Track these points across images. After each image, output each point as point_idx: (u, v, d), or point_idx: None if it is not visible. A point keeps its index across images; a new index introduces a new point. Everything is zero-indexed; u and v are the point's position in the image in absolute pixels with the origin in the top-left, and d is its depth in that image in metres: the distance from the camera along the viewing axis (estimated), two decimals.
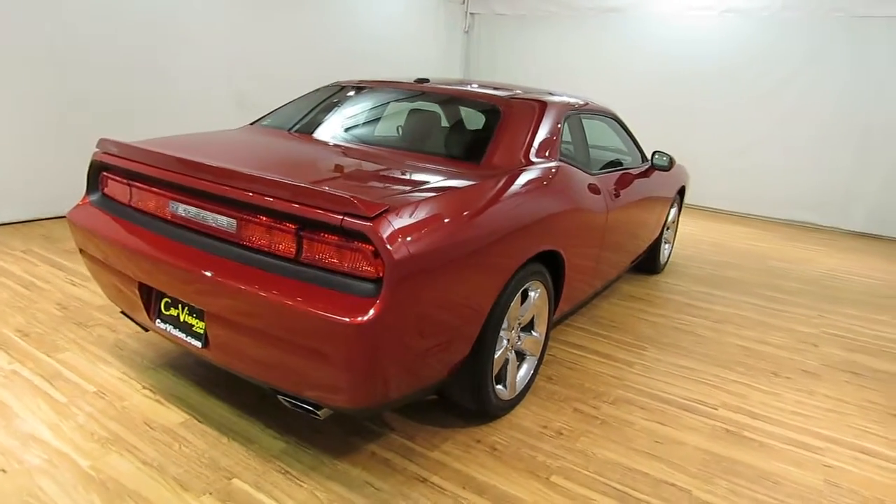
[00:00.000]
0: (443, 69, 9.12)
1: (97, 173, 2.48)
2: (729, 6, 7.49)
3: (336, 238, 1.77)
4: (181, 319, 2.12)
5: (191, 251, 2.03)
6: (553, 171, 2.60)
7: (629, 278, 4.63)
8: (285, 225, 1.85)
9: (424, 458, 2.22)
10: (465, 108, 2.85)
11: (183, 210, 2.11)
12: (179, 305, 2.13)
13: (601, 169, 3.28)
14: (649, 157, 3.92)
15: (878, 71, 6.85)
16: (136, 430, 2.22)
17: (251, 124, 3.13)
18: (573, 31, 8.63)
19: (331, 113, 3.00)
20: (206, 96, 5.74)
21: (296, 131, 2.93)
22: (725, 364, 3.27)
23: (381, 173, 2.26)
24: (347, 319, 1.66)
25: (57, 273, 3.69)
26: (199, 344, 2.05)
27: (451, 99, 2.87)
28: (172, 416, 2.33)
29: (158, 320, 2.19)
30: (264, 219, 1.89)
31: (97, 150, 2.42)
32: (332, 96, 3.13)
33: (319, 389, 1.87)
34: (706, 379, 3.07)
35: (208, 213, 2.04)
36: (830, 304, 4.48)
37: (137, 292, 2.19)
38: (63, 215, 5.01)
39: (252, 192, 1.88)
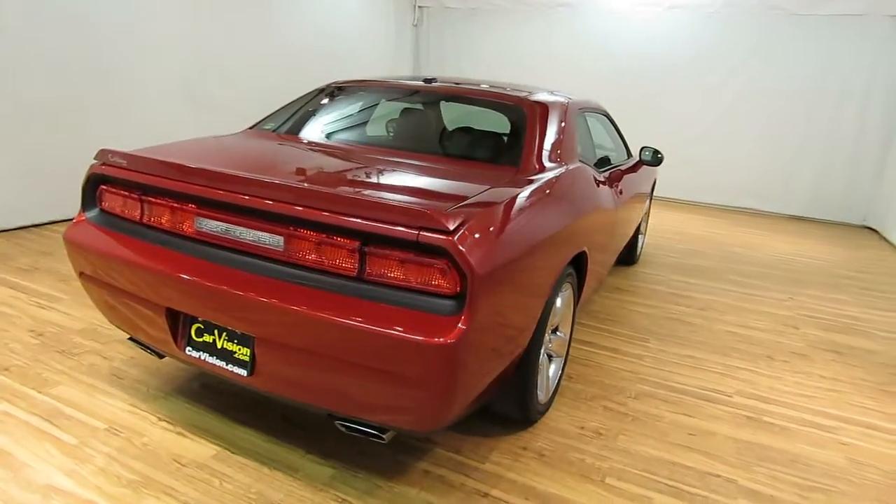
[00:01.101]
0: (393, 64, 8.96)
1: (94, 187, 2.24)
2: (675, 2, 7.78)
3: (407, 254, 1.67)
4: (219, 346, 1.95)
5: (229, 272, 1.87)
6: (580, 171, 2.59)
7: (611, 270, 4.73)
8: (346, 241, 1.74)
9: (478, 472, 2.17)
10: (488, 110, 2.79)
11: (216, 227, 1.94)
12: (216, 331, 1.96)
13: (602, 165, 3.32)
14: (634, 151, 4.01)
15: (814, 66, 7.33)
16: (165, 468, 2.04)
17: (252, 129, 2.92)
18: (524, 25, 8.70)
19: (349, 117, 2.85)
20: (158, 93, 5.36)
21: (311, 138, 2.76)
22: (723, 351, 3.40)
23: (429, 181, 2.16)
24: (434, 340, 1.58)
25: (18, 295, 3.33)
26: (243, 372, 1.90)
27: (473, 101, 2.79)
28: (201, 449, 2.15)
29: (189, 348, 2.00)
30: (321, 235, 1.77)
31: (95, 161, 2.19)
32: (340, 98, 2.98)
33: (390, 412, 1.77)
34: (711, 367, 3.18)
35: (248, 229, 1.88)
36: (794, 287, 4.77)
37: (164, 318, 2.00)
38: (8, 228, 4.58)
39: (308, 207, 1.75)
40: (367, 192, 1.83)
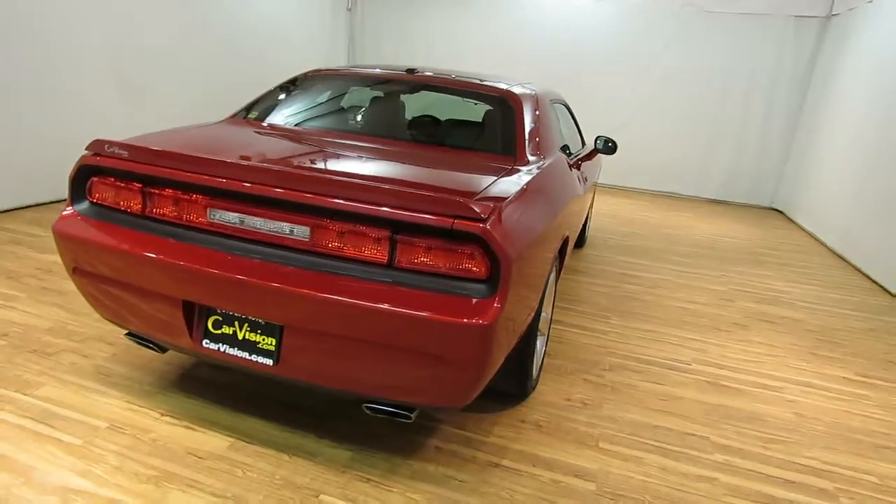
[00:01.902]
0: (328, 49, 8.80)
1: (84, 179, 2.14)
2: None
3: (439, 241, 1.76)
4: (240, 337, 1.95)
5: (249, 262, 1.88)
6: (562, 160, 2.76)
7: None
8: (377, 230, 1.80)
9: (485, 444, 2.31)
10: (476, 101, 2.88)
11: (232, 218, 1.93)
12: (236, 322, 1.96)
13: (566, 153, 3.52)
14: (588, 141, 4.25)
15: (724, 60, 7.95)
16: (183, 462, 2.02)
17: (235, 117, 2.85)
18: (460, 12, 8.81)
19: (338, 107, 2.86)
20: (85, 77, 5.02)
21: (309, 127, 2.75)
22: (676, 324, 3.73)
23: (439, 171, 2.24)
24: (474, 321, 1.68)
25: None
26: (269, 361, 1.92)
27: (460, 92, 2.88)
28: (215, 441, 2.15)
29: (206, 340, 1.99)
30: (351, 225, 1.82)
31: (86, 152, 2.10)
32: (323, 87, 2.97)
33: (422, 392, 1.87)
34: (669, 339, 3.49)
35: (268, 220, 1.89)
36: (724, 265, 5.25)
37: (180, 311, 1.97)
38: None
39: (338, 198, 1.79)
40: (392, 181, 1.88)
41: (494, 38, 8.70)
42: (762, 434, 2.58)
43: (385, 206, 1.76)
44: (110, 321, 2.25)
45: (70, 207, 2.15)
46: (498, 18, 8.65)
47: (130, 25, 5.37)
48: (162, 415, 2.26)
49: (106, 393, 2.37)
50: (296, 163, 2.08)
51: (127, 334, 2.24)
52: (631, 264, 4.95)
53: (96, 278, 2.11)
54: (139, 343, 2.22)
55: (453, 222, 1.72)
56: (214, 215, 1.96)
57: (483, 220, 1.72)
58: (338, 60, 9.15)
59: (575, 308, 3.82)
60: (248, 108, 2.88)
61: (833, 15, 7.36)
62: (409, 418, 1.95)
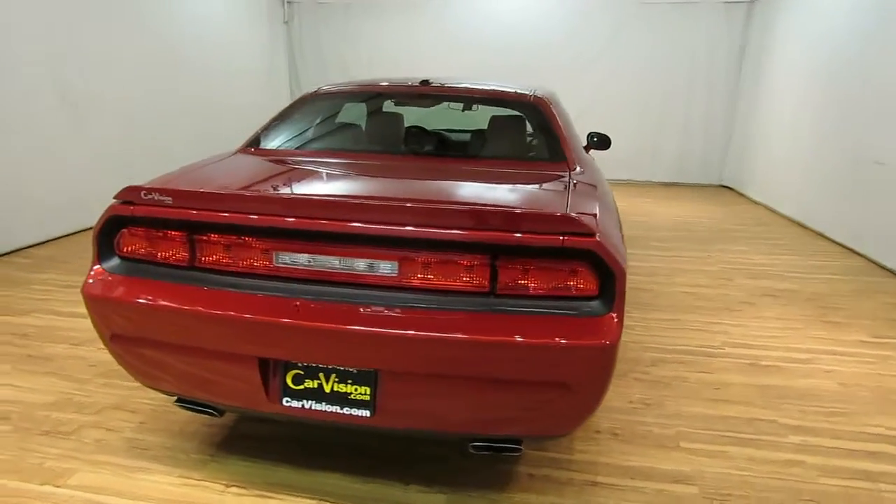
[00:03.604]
0: (269, 64, 8.43)
1: (111, 232, 1.88)
2: None
3: (546, 261, 1.65)
4: (327, 390, 1.76)
5: (329, 307, 1.70)
6: (593, 159, 2.72)
7: None
8: (476, 256, 1.66)
9: (574, 463, 2.21)
10: (505, 109, 2.77)
11: (301, 260, 1.74)
12: (321, 374, 1.76)
13: None
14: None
15: (665, 47, 8.23)
16: None
17: (251, 147, 2.59)
18: (401, 18, 8.67)
19: (369, 126, 2.66)
20: (25, 93, 4.57)
21: (346, 151, 2.56)
22: (690, 310, 3.78)
23: (512, 185, 2.13)
24: (600, 342, 1.59)
25: None
26: (365, 413, 1.73)
27: (488, 100, 2.76)
28: None
29: (286, 398, 1.78)
30: (445, 254, 1.67)
31: (115, 201, 1.83)
32: (341, 107, 2.77)
33: (536, 423, 1.75)
34: (691, 325, 3.53)
35: (346, 258, 1.71)
36: (703, 244, 5.41)
37: (256, 370, 1.75)
38: None
39: (431, 227, 1.64)
40: (484, 203, 1.75)
41: (440, 41, 8.60)
42: (821, 408, 2.63)
43: (487, 229, 1.63)
44: (156, 389, 1.98)
45: (97, 266, 1.88)
46: (442, 23, 8.57)
47: (74, 45, 4.95)
48: (227, 486, 2.02)
49: (151, 469, 2.09)
50: (366, 193, 1.90)
51: (177, 400, 1.98)
52: None
53: (141, 344, 1.85)
54: (193, 409, 1.97)
55: (563, 239, 1.61)
56: (281, 258, 1.76)
57: (593, 234, 1.63)
58: (280, 73, 8.79)
59: None
60: (260, 138, 2.63)
61: None
62: (520, 451, 1.82)
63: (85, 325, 3.26)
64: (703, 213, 6.85)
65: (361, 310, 1.69)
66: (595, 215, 1.73)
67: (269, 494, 1.98)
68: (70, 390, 2.59)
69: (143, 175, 6.23)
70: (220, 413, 1.98)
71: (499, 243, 1.63)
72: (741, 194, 7.96)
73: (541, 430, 1.77)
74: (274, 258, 1.77)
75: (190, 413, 2.39)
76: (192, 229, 1.80)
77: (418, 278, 1.70)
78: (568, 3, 8.28)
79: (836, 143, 5.61)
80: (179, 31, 6.46)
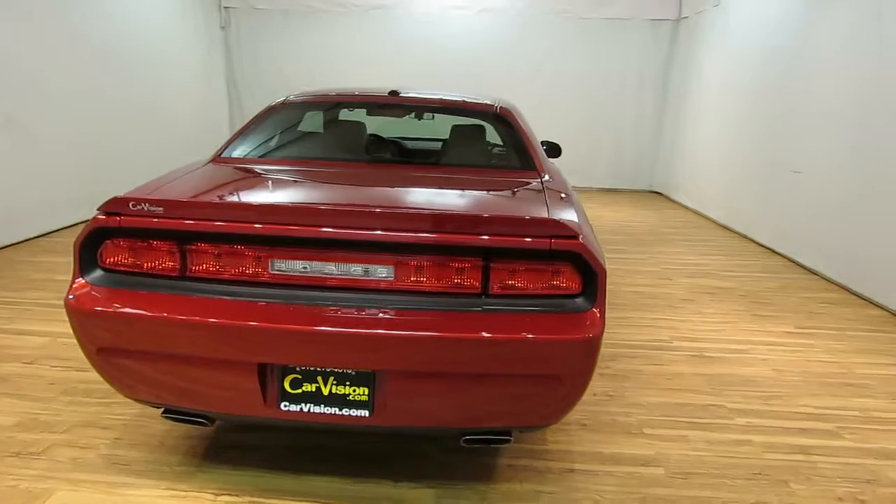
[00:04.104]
0: (206, 70, 8.23)
1: (94, 244, 1.86)
2: (483, 6, 8.52)
3: (534, 262, 1.78)
4: (325, 393, 1.81)
5: (329, 311, 1.76)
6: (558, 167, 2.89)
7: None
8: (469, 259, 1.77)
9: (549, 453, 2.36)
10: (471, 119, 2.89)
11: (298, 266, 1.79)
12: (319, 378, 1.81)
13: None
14: None
15: (597, 61, 8.68)
16: None
17: (222, 157, 2.57)
18: (340, 27, 8.69)
19: (343, 135, 2.71)
20: None
21: (321, 159, 2.60)
22: (638, 308, 4.04)
23: (488, 192, 2.24)
24: (586, 335, 1.73)
25: None
26: (364, 413, 1.80)
27: (456, 110, 2.87)
28: None
29: (284, 403, 1.81)
30: (439, 258, 1.77)
31: (100, 213, 1.82)
32: (310, 116, 2.80)
33: (527, 414, 1.87)
34: (640, 322, 3.78)
35: (343, 264, 1.78)
36: (643, 247, 5.76)
37: (254, 376, 1.78)
38: None
39: (426, 232, 1.74)
40: (474, 209, 1.86)
41: (380, 52, 8.68)
42: (760, 393, 2.91)
43: (480, 234, 1.75)
44: (143, 402, 1.97)
45: (80, 278, 1.85)
46: (383, 33, 8.65)
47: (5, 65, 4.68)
48: (216, 495, 2.02)
49: (135, 484, 2.06)
50: (356, 200, 1.97)
51: (164, 412, 1.97)
52: None
53: (131, 356, 1.84)
54: (182, 420, 1.97)
55: (551, 242, 1.75)
56: (277, 265, 1.80)
57: (576, 237, 1.77)
58: (217, 79, 8.59)
59: None
60: (232, 147, 2.63)
61: (683, 18, 8.35)
62: (510, 441, 1.95)
63: (34, 342, 3.14)
64: (638, 216, 7.26)
65: (359, 313, 1.76)
66: (575, 219, 1.89)
67: (261, 500, 2.00)
68: (33, 410, 2.49)
69: (82, 188, 5.98)
70: (211, 422, 1.99)
71: (491, 246, 1.75)
72: (671, 199, 8.48)
73: (532, 420, 1.90)
74: (269, 265, 1.81)
75: (168, 426, 2.38)
76: (184, 239, 1.81)
77: (412, 281, 1.79)
78: (508, 15, 8.57)
79: (758, 154, 6.12)
80: (115, 35, 6.22)
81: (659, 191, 8.98)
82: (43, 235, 5.24)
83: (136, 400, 1.97)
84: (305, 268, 1.79)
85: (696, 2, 7.80)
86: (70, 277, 1.87)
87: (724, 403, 2.80)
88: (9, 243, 4.89)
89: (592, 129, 8.94)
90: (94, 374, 2.73)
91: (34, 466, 2.13)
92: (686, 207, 7.89)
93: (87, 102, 5.77)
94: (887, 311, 4.07)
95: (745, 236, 6.22)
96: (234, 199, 1.84)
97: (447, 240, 1.74)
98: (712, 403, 2.79)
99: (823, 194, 4.91)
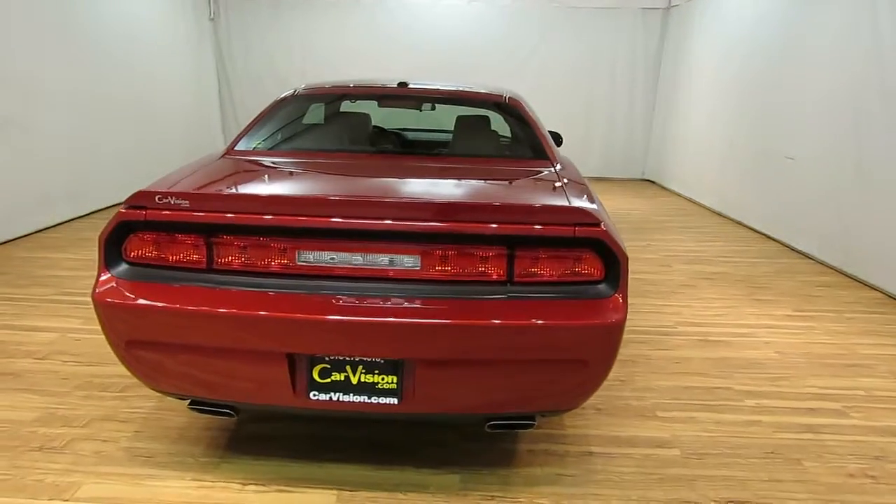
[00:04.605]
0: (196, 62, 8.12)
1: (119, 238, 1.86)
2: None
3: (558, 250, 1.81)
4: (354, 382, 1.83)
5: (358, 301, 1.78)
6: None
7: None
8: (493, 248, 1.80)
9: (567, 437, 2.40)
10: (481, 110, 2.90)
11: (325, 258, 1.81)
12: (347, 367, 1.83)
13: None
14: None
15: (588, 50, 8.70)
16: None
17: (237, 150, 2.56)
18: (333, 17, 8.63)
19: (355, 126, 2.71)
20: None
21: (339, 150, 2.62)
22: (642, 294, 4.10)
23: (517, 182, 2.27)
24: (611, 320, 1.77)
25: None
26: (393, 401, 1.83)
27: (470, 101, 2.88)
28: (319, 498, 1.99)
29: (314, 392, 1.83)
30: (465, 247, 1.79)
31: (124, 208, 1.82)
32: (325, 106, 2.80)
33: (551, 398, 1.91)
34: (645, 308, 3.84)
35: (370, 254, 1.80)
36: (641, 234, 5.82)
37: (284, 366, 1.80)
38: None
39: (453, 221, 1.76)
40: (498, 198, 1.88)
41: (372, 42, 8.63)
42: (766, 375, 2.98)
43: (507, 223, 1.77)
44: (170, 394, 1.98)
45: (106, 273, 1.85)
46: (373, 22, 8.60)
47: None
48: (244, 484, 2.04)
49: (161, 476, 2.07)
50: (381, 191, 1.99)
51: (191, 404, 1.98)
52: None
53: (160, 349, 1.85)
54: (207, 412, 1.98)
55: (574, 229, 1.78)
56: (304, 256, 1.82)
57: (599, 224, 1.81)
58: (207, 70, 8.49)
59: None
60: (246, 139, 2.62)
61: (673, 6, 8.39)
62: (534, 424, 1.98)
63: (44, 338, 3.12)
64: (633, 205, 7.33)
65: (387, 302, 1.79)
66: (596, 207, 1.92)
67: (289, 489, 2.03)
68: (51, 405, 2.48)
69: (73, 184, 5.95)
70: (237, 413, 2.00)
71: (517, 234, 1.78)
72: (664, 187, 8.56)
73: (557, 404, 1.94)
74: (297, 256, 1.82)
75: (186, 418, 2.40)
76: (211, 232, 1.82)
77: (439, 270, 1.81)
78: (498, 5, 8.56)
79: (750, 141, 6.19)
80: (104, 29, 6.12)
81: (651, 179, 9.06)
82: (39, 231, 5.18)
83: (163, 392, 1.98)
84: (333, 258, 1.81)
85: None
86: (94, 272, 1.88)
87: (731, 386, 2.86)
88: (4, 240, 4.84)
89: (584, 117, 8.98)
90: (107, 369, 2.78)
91: (58, 460, 2.13)
92: (679, 195, 7.98)
93: (77, 98, 5.68)
94: (883, 293, 4.17)
95: (739, 222, 6.30)
96: (260, 191, 1.84)
97: (474, 229, 1.77)
98: (720, 386, 2.86)
99: (817, 180, 5.00)
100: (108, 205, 5.98)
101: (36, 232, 5.15)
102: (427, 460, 2.21)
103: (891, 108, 4.17)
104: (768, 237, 5.71)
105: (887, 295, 4.14)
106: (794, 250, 5.26)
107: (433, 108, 3.04)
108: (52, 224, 5.35)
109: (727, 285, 4.33)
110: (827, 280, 4.49)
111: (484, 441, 2.33)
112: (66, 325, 3.27)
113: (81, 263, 4.37)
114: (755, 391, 2.81)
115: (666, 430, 2.47)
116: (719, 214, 6.76)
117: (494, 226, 1.77)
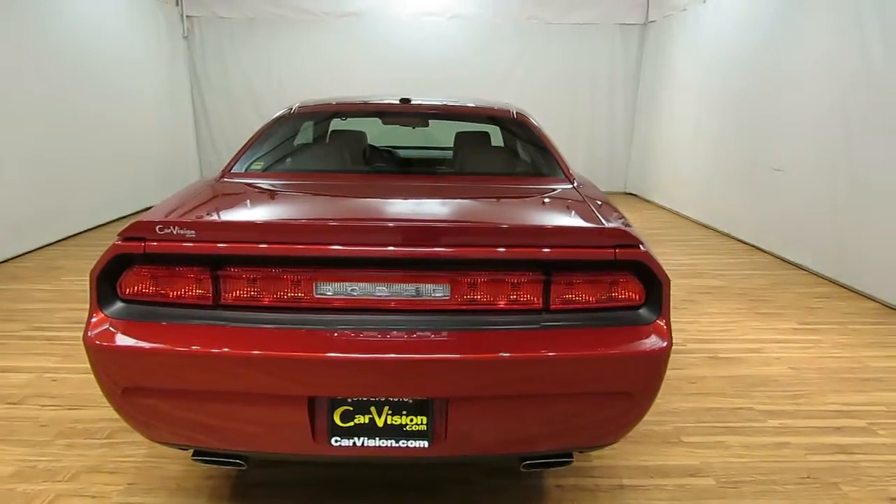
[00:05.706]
0: (169, 79, 7.88)
1: (112, 274, 1.67)
2: (455, 12, 8.47)
3: (597, 274, 1.69)
4: (379, 424, 1.67)
5: (383, 336, 1.63)
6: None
7: None
8: (528, 274, 1.67)
9: (595, 469, 2.27)
10: (488, 125, 2.79)
11: (349, 289, 1.66)
12: (372, 408, 1.67)
13: None
14: None
15: (568, 65, 8.73)
16: None
17: (236, 172, 2.38)
18: (311, 35, 8.49)
19: (358, 145, 2.56)
20: None
21: (348, 171, 2.47)
22: None
23: (542, 201, 2.15)
24: (658, 347, 1.66)
25: None
26: (423, 444, 1.67)
27: (477, 117, 2.76)
28: None
29: (335, 438, 1.67)
30: (497, 274, 1.66)
31: (119, 240, 1.64)
32: (322, 124, 2.65)
33: (590, 433, 1.78)
34: None
35: (395, 284, 1.66)
36: None
37: (304, 411, 1.63)
38: None
39: (487, 246, 1.63)
40: (530, 220, 1.76)
41: (352, 59, 8.52)
42: (784, 392, 2.90)
43: (543, 246, 1.65)
44: (170, 445, 1.78)
45: (99, 313, 1.67)
46: (354, 40, 8.49)
47: None
48: None
49: None
50: (404, 215, 1.85)
51: (195, 455, 1.79)
52: None
53: (162, 396, 1.66)
54: (214, 463, 1.79)
55: (616, 252, 1.67)
56: (322, 289, 1.66)
57: (639, 245, 1.70)
58: (181, 87, 8.24)
59: None
60: (244, 160, 2.45)
61: (650, 22, 8.49)
62: (571, 462, 1.84)
63: (18, 379, 2.87)
64: None
65: (413, 336, 1.64)
66: (631, 226, 1.81)
67: None
68: (30, 456, 2.25)
69: (42, 208, 5.69)
70: (246, 463, 1.82)
71: (553, 259, 1.66)
72: (647, 200, 8.59)
73: (597, 439, 1.81)
74: (314, 289, 1.66)
75: (183, 467, 2.20)
76: (219, 264, 1.65)
77: (470, 300, 1.68)
78: (477, 22, 8.54)
79: (737, 153, 6.22)
80: (73, 45, 5.88)
81: (634, 192, 9.09)
82: (6, 261, 4.87)
83: (165, 443, 1.78)
84: (353, 290, 1.66)
85: (664, 6, 7.94)
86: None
87: (752, 406, 2.77)
88: None
89: (565, 132, 8.95)
90: (91, 412, 2.55)
91: None
92: (662, 208, 8.00)
93: (46, 117, 5.42)
94: (881, 303, 4.17)
95: (727, 234, 6.31)
96: (272, 217, 1.68)
97: (509, 254, 1.64)
98: (740, 406, 2.76)
99: (808, 191, 5.02)
100: (81, 230, 5.69)
101: (3, 262, 4.84)
102: (452, 500, 2.05)
103: (882, 118, 4.21)
104: (758, 249, 5.72)
105: (885, 305, 4.14)
106: (786, 261, 5.26)
107: (414, 127, 2.93)
108: (20, 252, 5.03)
109: (727, 299, 4.28)
110: (824, 291, 4.48)
111: (509, 478, 2.18)
112: (42, 363, 3.02)
113: (54, 294, 4.09)
114: (777, 410, 2.73)
115: (695, 457, 2.36)
116: (705, 226, 6.77)
117: (531, 250, 1.64)
